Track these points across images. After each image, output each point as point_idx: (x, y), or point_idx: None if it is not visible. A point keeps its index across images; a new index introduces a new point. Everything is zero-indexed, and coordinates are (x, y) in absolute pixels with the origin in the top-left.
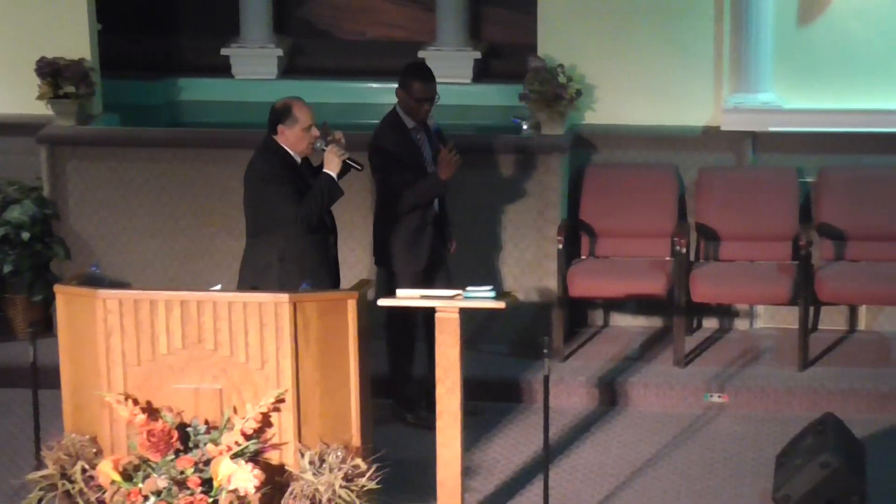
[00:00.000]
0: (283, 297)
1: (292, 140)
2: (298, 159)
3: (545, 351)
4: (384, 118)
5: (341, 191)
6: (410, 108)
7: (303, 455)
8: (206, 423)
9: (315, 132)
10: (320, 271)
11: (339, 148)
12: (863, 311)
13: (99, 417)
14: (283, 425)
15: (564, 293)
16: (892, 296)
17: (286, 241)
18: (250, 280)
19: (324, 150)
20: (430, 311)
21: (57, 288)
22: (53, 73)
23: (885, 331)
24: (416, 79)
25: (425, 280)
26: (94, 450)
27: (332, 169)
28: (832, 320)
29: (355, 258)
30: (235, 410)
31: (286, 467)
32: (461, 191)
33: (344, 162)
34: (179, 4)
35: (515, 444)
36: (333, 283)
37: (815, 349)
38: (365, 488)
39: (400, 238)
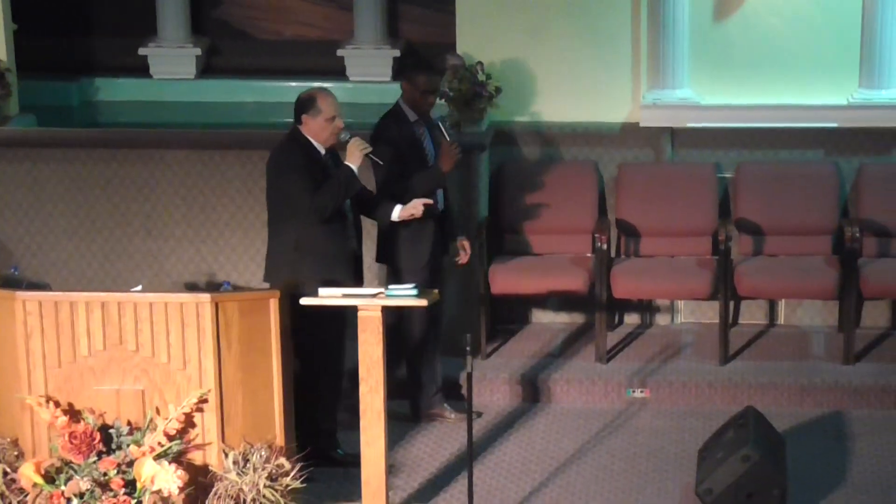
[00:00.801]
0: (205, 297)
1: (315, 130)
2: (322, 150)
3: (467, 348)
4: (387, 112)
5: (360, 184)
6: (415, 100)
7: (226, 455)
8: (129, 424)
9: (339, 123)
10: (336, 263)
11: (361, 141)
12: (782, 305)
13: (20, 420)
14: (206, 425)
15: (486, 290)
16: (810, 290)
17: (301, 231)
18: (269, 270)
19: (346, 142)
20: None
21: None
22: None
23: (803, 325)
24: (421, 71)
25: (428, 277)
26: (16, 452)
27: (352, 162)
28: (752, 315)
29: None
30: (158, 411)
31: (210, 467)
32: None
33: (366, 156)
34: (96, 5)
35: (439, 441)
36: (351, 276)
37: (736, 343)
38: (289, 487)
39: (402, 234)
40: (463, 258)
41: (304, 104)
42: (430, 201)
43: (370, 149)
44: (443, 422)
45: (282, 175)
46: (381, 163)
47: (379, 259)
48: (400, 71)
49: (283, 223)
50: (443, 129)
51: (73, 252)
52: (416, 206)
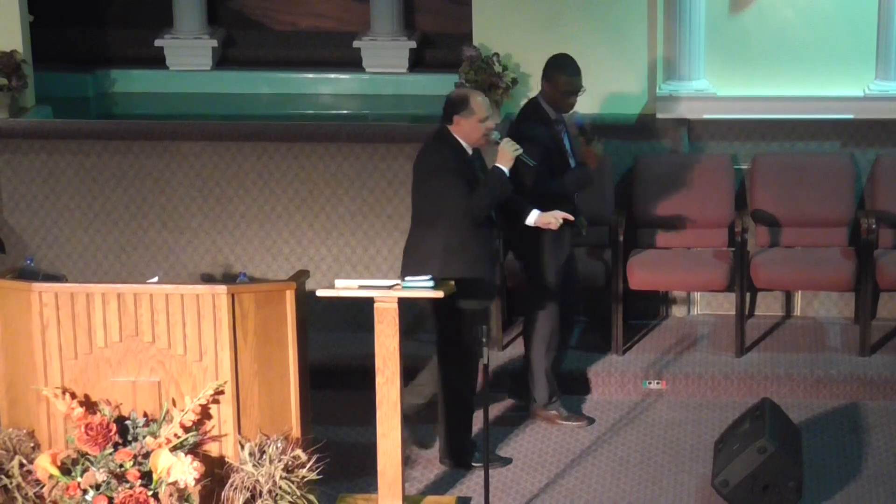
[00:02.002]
0: (221, 289)
1: (467, 131)
2: (470, 150)
3: (484, 340)
4: (525, 110)
5: (511, 186)
6: (555, 100)
7: (242, 447)
8: (145, 415)
9: (490, 124)
10: (482, 264)
11: (513, 143)
12: (798, 296)
13: (36, 412)
14: (223, 417)
15: (502, 282)
16: (826, 281)
17: (451, 232)
18: (411, 269)
19: (497, 143)
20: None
21: None
22: None
23: (819, 316)
24: (563, 71)
25: (565, 272)
26: (32, 444)
27: (504, 163)
28: (768, 306)
29: None
30: (174, 403)
31: (226, 459)
32: (396, 180)
33: (516, 157)
34: None
35: None
36: (494, 277)
37: (752, 335)
38: (305, 479)
39: (544, 234)
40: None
41: (457, 104)
42: (571, 217)
43: (521, 150)
44: (551, 425)
45: (432, 176)
46: (533, 164)
47: (517, 256)
48: (543, 70)
49: (430, 224)
50: (585, 130)
51: (89, 244)
52: (557, 218)
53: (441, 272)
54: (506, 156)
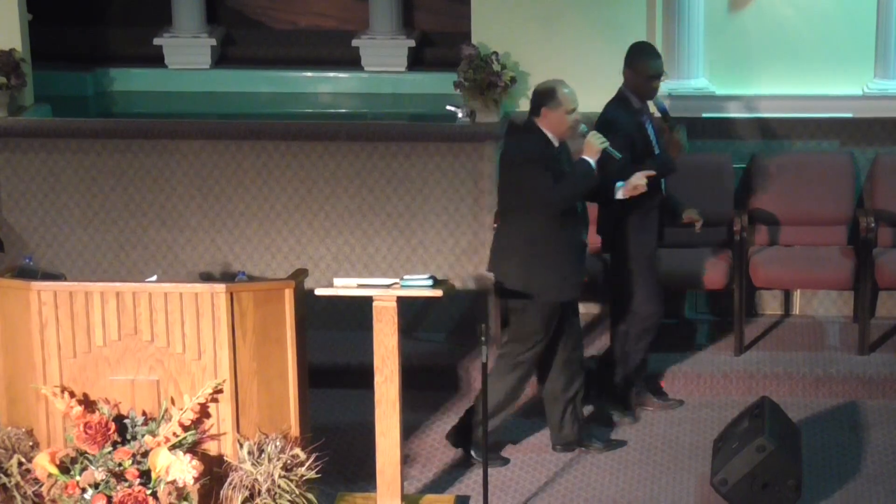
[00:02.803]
0: (220, 288)
1: (554, 123)
2: (556, 142)
3: (482, 338)
4: (612, 101)
5: (597, 179)
6: (639, 87)
7: (241, 445)
8: (144, 414)
9: (576, 116)
10: (567, 255)
11: (599, 135)
12: (797, 295)
13: (35, 410)
14: (221, 416)
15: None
16: (825, 280)
17: (536, 224)
18: (496, 261)
19: (584, 135)
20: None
21: None
22: None
23: (818, 315)
24: (645, 57)
25: (651, 265)
26: (31, 443)
27: (591, 156)
28: (767, 305)
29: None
30: (173, 401)
31: (225, 458)
32: (395, 179)
33: (603, 150)
34: None
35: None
36: (578, 269)
37: (751, 334)
38: (304, 478)
39: (630, 223)
40: (699, 226)
41: (544, 96)
42: (652, 172)
43: (608, 143)
44: (643, 411)
45: (521, 167)
46: (619, 157)
47: (605, 249)
48: (624, 60)
49: (516, 215)
50: (668, 116)
51: (88, 242)
52: (639, 178)
53: (524, 264)
54: (592, 148)
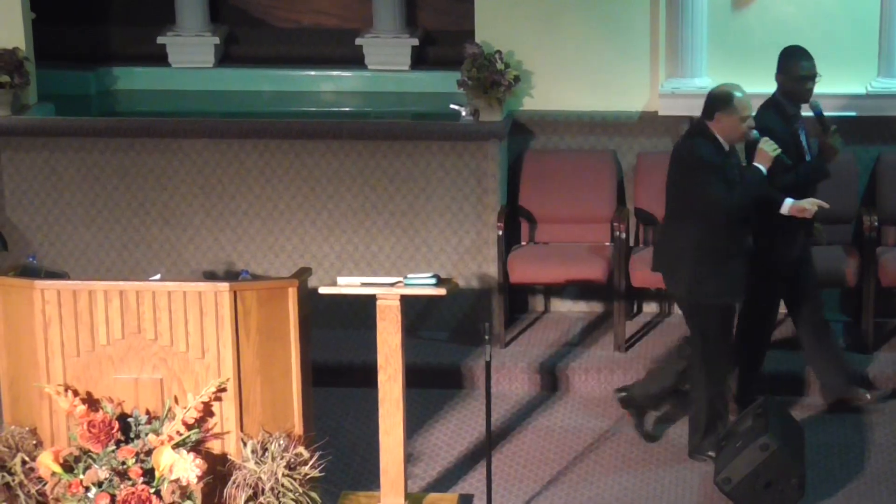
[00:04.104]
0: (224, 286)
1: (727, 128)
2: (726, 147)
3: (486, 337)
4: (765, 108)
5: (766, 187)
6: (792, 90)
7: (245, 444)
8: (148, 413)
9: (751, 122)
10: (734, 262)
11: (772, 142)
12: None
13: (38, 409)
14: (225, 414)
15: (504, 279)
16: (829, 278)
17: (705, 229)
18: (664, 264)
19: (756, 142)
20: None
21: None
22: None
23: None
24: (797, 59)
25: (798, 266)
26: (34, 441)
27: (762, 163)
28: None
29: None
30: (176, 400)
31: (228, 456)
32: (398, 177)
33: (775, 157)
34: None
35: (457, 430)
36: (744, 273)
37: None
38: (308, 476)
39: (777, 226)
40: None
41: (720, 101)
42: (826, 204)
43: (780, 150)
44: (853, 403)
45: (693, 171)
46: (789, 163)
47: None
48: (777, 65)
49: (685, 219)
50: (823, 120)
51: (91, 241)
52: (813, 204)
53: (692, 268)
54: (765, 156)
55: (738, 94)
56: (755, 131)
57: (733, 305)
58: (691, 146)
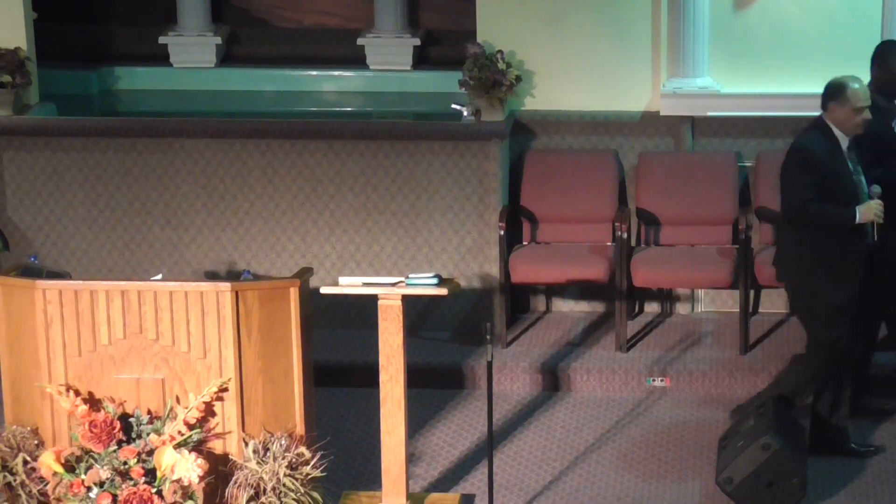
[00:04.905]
0: (225, 286)
1: (840, 119)
2: (845, 140)
3: (487, 337)
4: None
5: (847, 227)
6: (888, 84)
7: (246, 444)
8: (149, 413)
9: (867, 115)
10: (846, 262)
11: (881, 207)
12: None
13: (40, 409)
14: (227, 414)
15: (506, 279)
16: None
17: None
18: (779, 262)
19: (875, 196)
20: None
21: None
22: None
23: None
24: (844, 88)
25: (864, 273)
26: (36, 441)
27: (863, 219)
28: (772, 303)
29: None
30: (178, 400)
31: (230, 456)
32: (400, 177)
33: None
34: None
35: (459, 430)
36: (858, 274)
37: (756, 332)
38: (309, 476)
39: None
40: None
41: (833, 92)
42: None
43: (882, 220)
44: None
45: (789, 167)
46: (882, 222)
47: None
48: (872, 59)
49: (786, 215)
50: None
51: (93, 241)
52: (870, 208)
53: (801, 264)
54: (867, 216)
55: (853, 84)
56: (877, 186)
57: (848, 306)
58: (799, 137)
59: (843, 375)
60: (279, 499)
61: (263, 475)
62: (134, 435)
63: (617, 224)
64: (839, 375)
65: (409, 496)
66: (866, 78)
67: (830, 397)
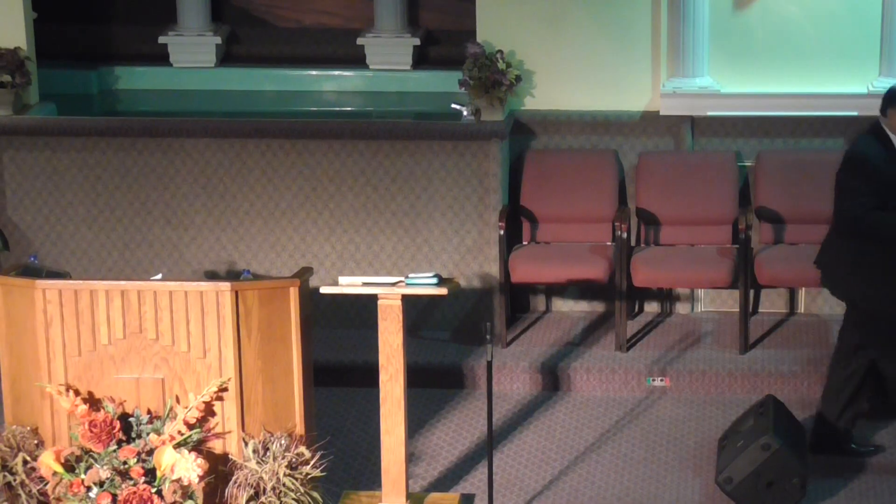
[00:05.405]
0: (225, 286)
1: None
2: None
3: (487, 337)
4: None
5: None
6: None
7: (246, 444)
8: (149, 412)
9: None
10: (876, 270)
11: None
12: (801, 293)
13: (40, 408)
14: (226, 414)
15: (506, 279)
16: None
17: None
18: (823, 266)
19: None
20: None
21: None
22: None
23: (823, 313)
24: None
25: None
26: (36, 441)
27: None
28: (772, 303)
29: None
30: (178, 400)
31: (230, 456)
32: (400, 177)
33: None
34: None
35: (459, 430)
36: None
37: (756, 332)
38: (309, 476)
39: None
40: None
41: (891, 98)
42: None
43: None
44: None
45: (843, 170)
46: None
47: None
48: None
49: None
50: None
51: (93, 241)
52: None
53: (847, 269)
54: None
55: None
56: None
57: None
58: (855, 142)
59: (864, 382)
60: (279, 498)
61: (263, 475)
62: (134, 435)
63: (617, 224)
64: (859, 381)
65: (409, 496)
66: (868, 80)
67: (843, 400)
